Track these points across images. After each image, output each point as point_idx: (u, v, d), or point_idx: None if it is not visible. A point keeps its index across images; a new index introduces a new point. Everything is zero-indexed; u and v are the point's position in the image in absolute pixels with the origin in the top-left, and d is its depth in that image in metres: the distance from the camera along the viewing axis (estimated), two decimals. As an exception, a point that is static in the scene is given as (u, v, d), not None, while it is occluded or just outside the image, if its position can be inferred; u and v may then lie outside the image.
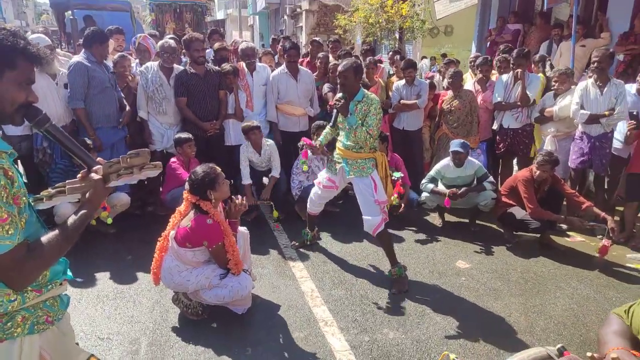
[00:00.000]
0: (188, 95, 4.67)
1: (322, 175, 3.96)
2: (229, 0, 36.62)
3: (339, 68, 3.49)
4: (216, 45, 5.28)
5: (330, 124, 3.67)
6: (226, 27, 35.17)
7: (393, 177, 4.61)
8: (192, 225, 2.87)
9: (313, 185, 4.85)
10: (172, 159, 4.51)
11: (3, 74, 1.30)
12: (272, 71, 5.32)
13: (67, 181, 1.49)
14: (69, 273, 1.60)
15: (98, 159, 1.50)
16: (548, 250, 4.37)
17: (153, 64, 4.74)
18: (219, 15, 38.03)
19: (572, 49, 6.38)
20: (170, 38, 4.95)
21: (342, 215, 5.09)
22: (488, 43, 9.40)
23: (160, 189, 4.83)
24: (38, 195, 1.50)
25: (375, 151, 3.66)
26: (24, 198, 1.35)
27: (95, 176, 1.42)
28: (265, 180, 5.13)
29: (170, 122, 4.82)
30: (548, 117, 4.95)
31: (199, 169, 2.95)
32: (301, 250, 4.26)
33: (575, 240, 4.67)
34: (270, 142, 4.92)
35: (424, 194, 4.79)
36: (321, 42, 6.24)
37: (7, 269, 1.27)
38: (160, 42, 4.75)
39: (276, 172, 4.87)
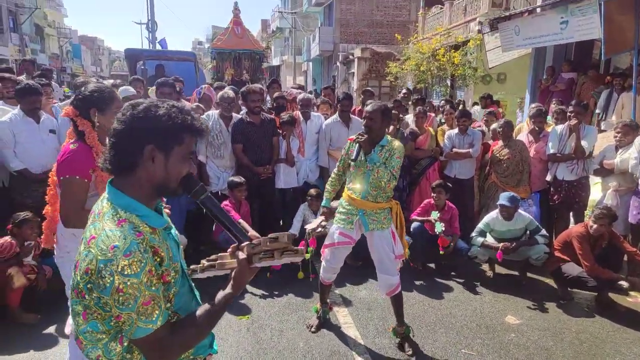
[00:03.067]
0: (244, 142, 4.96)
1: (333, 235, 3.50)
2: (284, 47, 38.49)
3: (367, 108, 3.39)
4: (276, 94, 5.62)
5: (353, 157, 3.31)
6: (281, 73, 36.80)
7: (436, 231, 4.61)
8: (59, 155, 2.42)
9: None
10: (225, 202, 4.75)
11: (172, 150, 1.32)
12: (326, 119, 5.57)
13: (219, 254, 1.48)
14: (215, 347, 1.57)
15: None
16: (607, 310, 4.13)
17: (214, 113, 5.12)
18: (275, 61, 39.91)
19: (633, 101, 6.21)
20: (230, 89, 5.33)
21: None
22: (538, 91, 9.32)
23: (214, 230, 5.06)
24: (192, 267, 1.49)
25: (391, 199, 3.46)
26: (174, 273, 1.34)
27: (241, 255, 1.35)
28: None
29: (226, 165, 5.12)
30: (608, 169, 4.80)
31: (92, 85, 2.56)
32: (346, 295, 4.29)
33: (638, 300, 4.39)
34: None
35: (474, 248, 4.72)
36: (372, 91, 6.46)
37: (149, 350, 1.28)
38: (220, 93, 5.13)
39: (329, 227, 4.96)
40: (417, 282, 4.59)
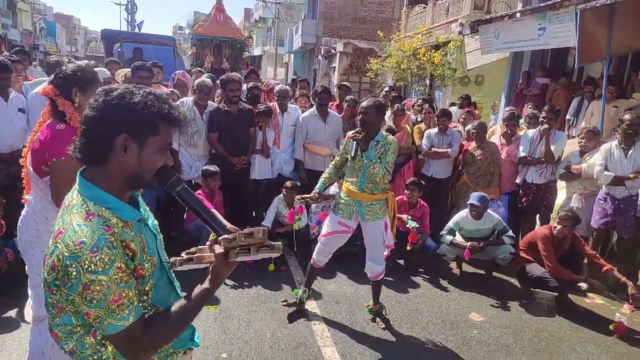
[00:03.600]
0: (220, 131, 4.91)
1: (332, 222, 3.69)
2: (266, 38, 38.15)
3: (362, 104, 3.54)
4: (250, 83, 5.57)
5: (351, 154, 3.49)
6: (262, 63, 36.44)
7: (408, 226, 4.67)
8: (40, 135, 2.28)
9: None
10: (198, 191, 4.71)
11: (147, 141, 1.26)
12: (304, 112, 5.56)
13: (199, 247, 1.42)
14: (196, 339, 1.52)
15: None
16: (566, 310, 4.28)
17: (188, 99, 5.04)
18: (256, 51, 39.51)
19: (601, 109, 6.41)
20: (208, 77, 5.26)
21: (358, 254, 5.13)
22: (513, 95, 9.54)
23: (185, 218, 5.01)
24: (172, 259, 1.42)
25: (387, 191, 3.64)
26: (149, 266, 1.29)
27: (218, 249, 1.30)
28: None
29: (200, 154, 5.06)
30: (574, 174, 4.95)
31: (69, 66, 2.46)
32: (315, 288, 4.31)
33: (595, 302, 4.56)
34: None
35: (443, 246, 4.82)
36: (349, 86, 6.47)
37: (122, 346, 1.24)
38: (197, 81, 5.05)
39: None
40: (386, 278, 4.64)
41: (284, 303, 3.94)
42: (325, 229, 3.75)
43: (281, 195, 5.06)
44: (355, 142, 3.47)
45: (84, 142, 1.25)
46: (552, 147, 5.02)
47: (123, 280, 1.18)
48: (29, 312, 2.89)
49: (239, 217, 5.13)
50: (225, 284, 4.26)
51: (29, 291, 2.51)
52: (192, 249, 1.38)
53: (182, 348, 1.43)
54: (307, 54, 29.50)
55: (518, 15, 8.64)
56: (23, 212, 2.45)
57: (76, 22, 68.87)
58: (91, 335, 1.23)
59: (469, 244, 4.61)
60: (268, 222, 4.93)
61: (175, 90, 5.29)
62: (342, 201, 3.66)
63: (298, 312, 3.84)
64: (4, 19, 32.30)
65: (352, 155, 3.49)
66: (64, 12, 64.61)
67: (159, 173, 1.31)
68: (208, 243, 1.36)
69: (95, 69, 4.88)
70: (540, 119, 5.15)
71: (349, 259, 4.60)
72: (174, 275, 1.46)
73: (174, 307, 1.31)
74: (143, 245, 1.29)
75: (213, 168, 4.73)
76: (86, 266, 1.13)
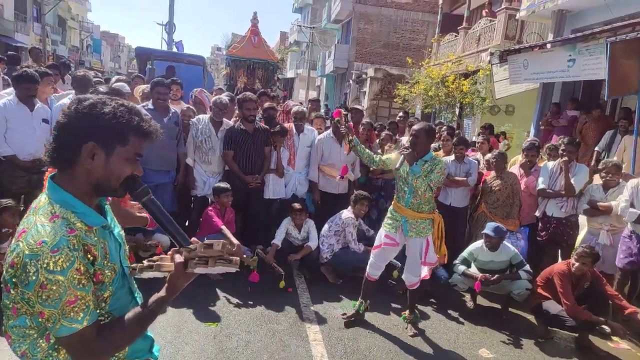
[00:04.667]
0: (235, 149, 4.97)
1: (380, 236, 4.04)
2: (300, 61, 38.86)
3: (414, 127, 3.86)
4: (266, 104, 5.65)
5: (397, 166, 3.75)
6: (295, 86, 37.11)
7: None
8: None
9: (345, 249, 4.91)
10: (209, 207, 4.74)
11: (114, 150, 1.29)
12: (320, 134, 5.57)
13: (161, 256, 1.45)
14: (155, 352, 1.51)
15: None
16: (585, 353, 4.04)
17: (205, 117, 5.15)
18: (290, 74, 40.29)
19: (634, 143, 6.15)
20: (226, 95, 5.36)
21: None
22: (542, 127, 9.30)
23: (196, 234, 5.05)
24: (133, 265, 1.45)
25: (434, 212, 3.91)
26: (109, 272, 1.31)
27: (177, 258, 1.32)
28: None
29: (214, 171, 5.12)
30: (601, 209, 4.73)
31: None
32: (320, 313, 4.23)
33: (620, 347, 4.28)
34: (310, 221, 5.15)
35: (455, 276, 4.66)
36: (362, 109, 6.52)
37: (73, 349, 1.25)
38: (213, 98, 5.15)
39: (313, 244, 4.97)
40: (394, 305, 4.52)
41: (344, 317, 4.10)
42: (375, 242, 4.11)
43: (288, 218, 5.05)
44: (402, 156, 3.75)
45: (54, 147, 1.29)
46: (572, 180, 4.83)
47: (81, 283, 1.20)
48: None
49: (250, 235, 5.14)
50: (229, 302, 4.24)
51: None
52: (155, 257, 1.40)
53: (139, 358, 1.42)
54: (338, 77, 29.85)
55: (548, 46, 8.50)
56: None
57: (120, 40, 72.19)
58: (44, 339, 1.25)
59: (480, 275, 4.45)
60: (278, 241, 4.91)
61: (192, 107, 5.41)
62: (390, 216, 3.99)
63: (356, 322, 4.08)
64: (54, 36, 34.14)
65: (397, 166, 3.76)
66: (109, 30, 67.67)
67: (128, 183, 1.33)
68: (169, 253, 1.37)
69: (117, 84, 5.10)
70: (560, 151, 4.99)
71: (358, 283, 4.50)
72: (135, 286, 1.46)
73: (129, 314, 1.31)
74: (105, 251, 1.31)
75: (224, 184, 4.77)
76: (45, 265, 1.15)
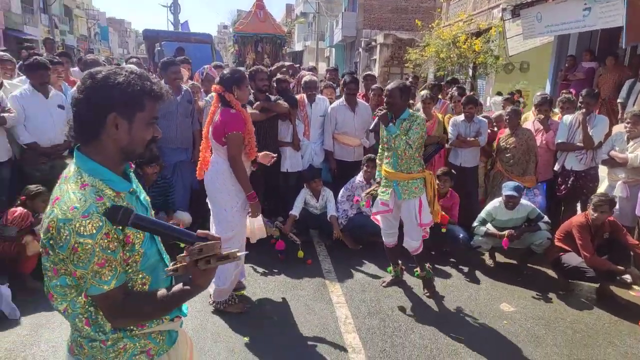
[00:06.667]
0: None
1: (376, 204, 4.00)
2: (307, 33, 38.28)
3: (387, 87, 3.77)
4: (278, 75, 5.63)
5: (370, 128, 3.85)
6: (304, 58, 36.65)
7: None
8: (218, 118, 3.28)
9: (359, 214, 4.97)
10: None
11: (134, 117, 1.35)
12: (332, 103, 5.57)
13: (182, 255, 1.38)
14: (184, 309, 1.56)
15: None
16: (606, 302, 4.08)
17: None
18: (298, 46, 39.76)
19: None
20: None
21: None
22: (558, 81, 9.07)
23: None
24: (170, 268, 1.38)
25: (424, 170, 3.83)
26: (139, 234, 1.37)
27: (187, 259, 1.33)
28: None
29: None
30: (618, 161, 4.67)
31: (228, 70, 3.45)
32: (342, 278, 4.34)
33: (640, 294, 4.32)
34: (328, 190, 5.19)
35: (477, 237, 4.68)
36: (374, 75, 6.46)
37: (102, 308, 1.34)
38: (220, 73, 5.16)
39: (333, 211, 5.04)
40: (413, 265, 4.59)
41: (384, 284, 4.21)
42: (373, 209, 4.11)
43: (305, 185, 5.13)
44: (377, 117, 3.74)
45: (78, 123, 1.35)
46: (592, 132, 4.76)
47: (108, 247, 1.28)
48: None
49: (270, 208, 5.23)
50: (255, 271, 4.38)
51: (213, 228, 3.44)
52: (178, 257, 1.37)
53: (169, 315, 1.49)
54: (347, 47, 29.38)
55: (562, -5, 8.21)
56: (209, 170, 3.43)
57: (127, 25, 71.99)
58: (83, 296, 1.35)
59: (506, 232, 4.47)
60: (296, 211, 4.99)
61: (197, 83, 5.45)
62: (382, 183, 3.93)
63: (397, 283, 4.24)
64: (62, 26, 34.18)
65: (371, 128, 3.84)
66: (115, 16, 67.47)
67: (108, 216, 1.29)
68: (185, 252, 1.37)
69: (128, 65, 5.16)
70: (579, 103, 4.89)
71: (378, 247, 4.58)
72: (163, 247, 1.54)
73: (158, 294, 1.38)
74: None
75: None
76: (76, 229, 1.24)
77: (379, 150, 4.04)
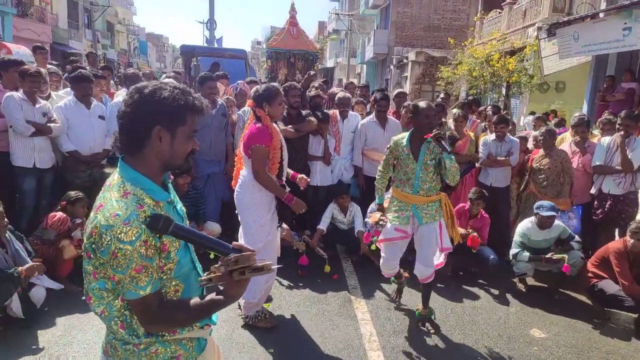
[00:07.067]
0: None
1: (387, 231, 3.64)
2: (339, 49, 38.67)
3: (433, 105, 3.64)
4: (312, 92, 5.71)
5: (435, 154, 3.45)
6: (335, 74, 37.00)
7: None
8: (247, 131, 3.40)
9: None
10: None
11: (177, 130, 1.42)
12: (362, 119, 5.60)
13: (216, 266, 1.42)
14: (214, 318, 1.59)
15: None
16: (645, 333, 3.90)
17: (248, 108, 5.26)
18: (330, 63, 40.18)
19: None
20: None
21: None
22: (597, 102, 8.85)
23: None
24: (203, 278, 1.44)
25: (439, 192, 3.65)
26: (175, 243, 1.42)
27: (222, 270, 1.38)
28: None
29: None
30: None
31: (262, 86, 3.52)
32: (367, 294, 4.30)
33: (683, 327, 4.10)
34: (355, 205, 5.21)
35: (521, 264, 4.51)
36: (405, 93, 6.46)
37: (136, 312, 1.39)
38: (252, 89, 5.29)
39: (360, 227, 5.03)
40: (441, 286, 4.52)
41: (395, 298, 4.15)
42: (381, 236, 3.69)
43: (334, 202, 5.15)
44: (439, 140, 3.35)
45: (124, 135, 1.42)
46: (630, 155, 4.62)
47: (146, 254, 1.33)
48: None
49: (298, 222, 5.26)
50: (281, 284, 4.40)
51: (241, 239, 3.48)
52: (212, 267, 1.42)
53: (199, 323, 1.53)
54: (379, 64, 29.49)
55: (601, 15, 8.07)
56: (239, 183, 3.51)
57: (165, 40, 74.62)
58: (119, 300, 1.41)
59: (564, 256, 4.34)
60: (323, 226, 5.01)
61: (231, 97, 5.61)
62: (395, 208, 3.64)
63: (402, 290, 4.16)
64: (104, 40, 35.71)
65: (442, 152, 3.40)
66: (154, 32, 70.05)
67: (150, 225, 1.34)
68: (220, 262, 1.42)
69: (166, 80, 5.34)
70: (617, 125, 4.76)
71: (406, 265, 4.54)
72: (196, 256, 1.58)
73: (192, 302, 1.42)
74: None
75: None
76: (117, 235, 1.30)
77: (379, 172, 3.78)
